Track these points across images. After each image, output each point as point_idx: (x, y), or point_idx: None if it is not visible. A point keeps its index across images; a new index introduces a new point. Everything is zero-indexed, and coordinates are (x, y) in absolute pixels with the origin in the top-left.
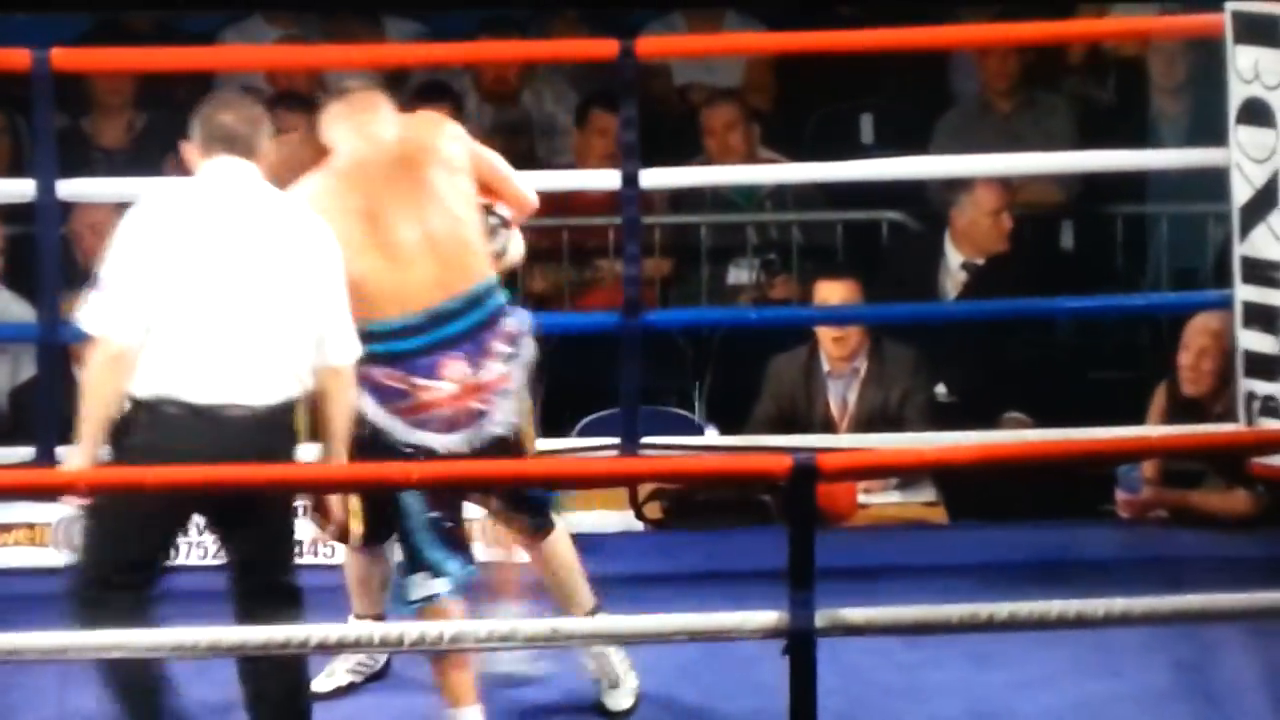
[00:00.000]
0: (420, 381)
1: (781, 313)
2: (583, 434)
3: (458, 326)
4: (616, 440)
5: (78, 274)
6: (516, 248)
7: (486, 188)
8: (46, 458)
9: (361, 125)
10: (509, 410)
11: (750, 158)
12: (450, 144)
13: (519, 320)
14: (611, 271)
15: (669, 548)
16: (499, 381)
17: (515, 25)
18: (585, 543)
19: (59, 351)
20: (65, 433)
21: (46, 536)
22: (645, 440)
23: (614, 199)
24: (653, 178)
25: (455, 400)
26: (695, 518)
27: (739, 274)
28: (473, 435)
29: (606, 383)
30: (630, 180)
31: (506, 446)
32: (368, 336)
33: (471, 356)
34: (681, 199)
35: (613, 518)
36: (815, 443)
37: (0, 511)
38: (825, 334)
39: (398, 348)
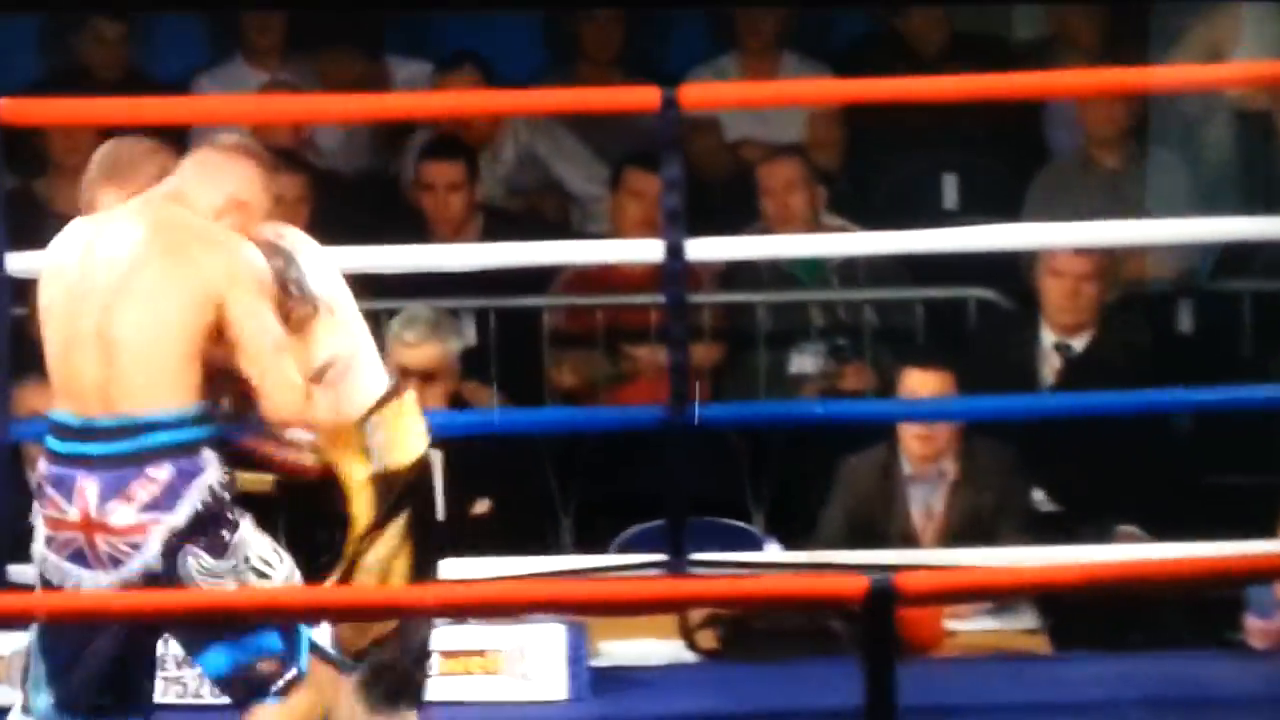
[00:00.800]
0: (51, 493)
1: (854, 407)
2: (623, 549)
3: (100, 449)
4: (662, 557)
5: (33, 360)
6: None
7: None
8: None
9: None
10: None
11: (814, 225)
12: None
13: (180, 472)
14: (653, 360)
15: (725, 682)
16: (129, 531)
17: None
18: (629, 676)
19: (8, 453)
20: (17, 549)
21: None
22: (696, 557)
23: (655, 274)
24: (701, 248)
25: (81, 529)
26: (755, 648)
27: (803, 362)
28: (114, 577)
29: (649, 490)
30: (675, 252)
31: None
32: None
33: (105, 490)
34: (735, 274)
35: (660, 647)
36: (894, 559)
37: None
38: (908, 431)
39: (49, 444)
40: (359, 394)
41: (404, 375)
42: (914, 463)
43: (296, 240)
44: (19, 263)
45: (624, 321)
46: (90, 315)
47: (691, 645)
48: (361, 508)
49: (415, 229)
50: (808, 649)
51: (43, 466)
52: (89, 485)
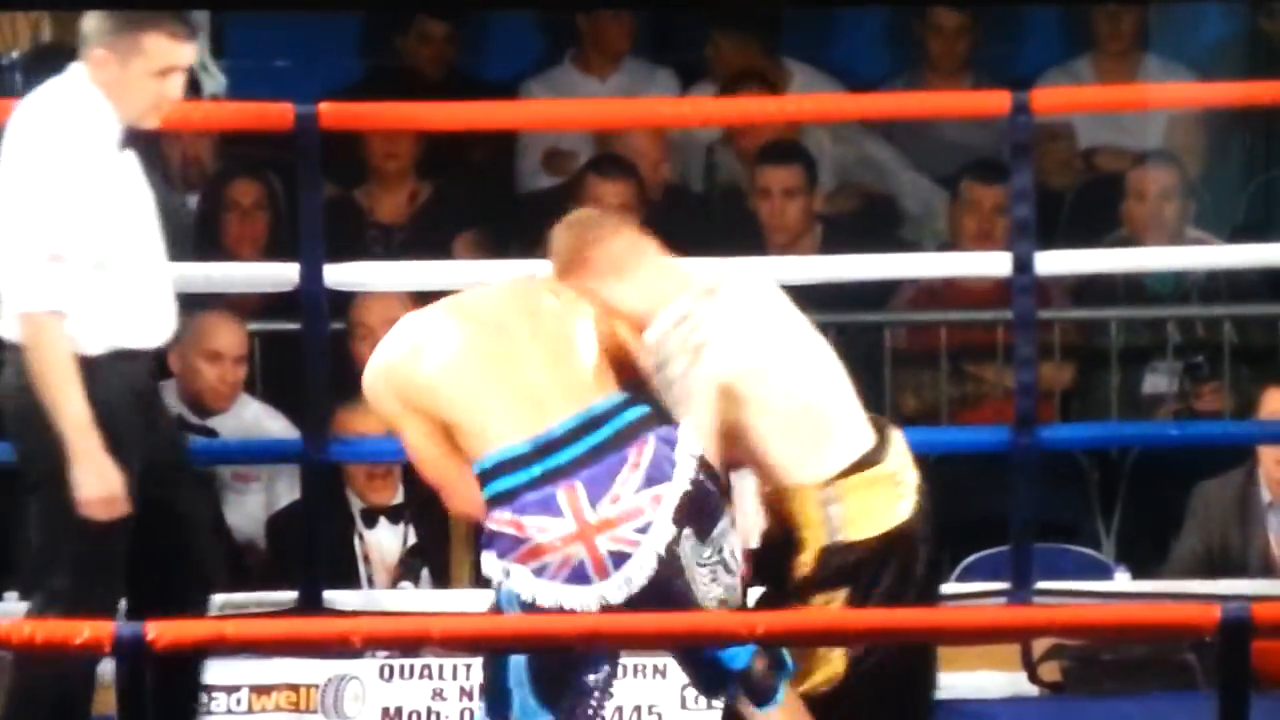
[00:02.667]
0: (530, 522)
1: (1211, 428)
2: (964, 577)
3: (570, 454)
4: (1005, 585)
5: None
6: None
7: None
8: (313, 603)
9: None
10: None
11: (1180, 238)
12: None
13: (662, 439)
14: (1000, 380)
15: (1070, 717)
16: (632, 515)
17: None
18: (969, 710)
19: (328, 474)
20: (335, 574)
21: (314, 700)
22: (1041, 585)
23: (1002, 289)
24: (1052, 262)
25: (580, 538)
26: (1101, 681)
27: (1157, 381)
28: (620, 579)
29: (994, 514)
30: (1024, 266)
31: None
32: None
33: (592, 487)
34: (1086, 290)
35: (1001, 680)
36: (1251, 589)
37: (258, 670)
38: (1268, 455)
39: (501, 487)
40: (819, 457)
41: None
42: (1273, 488)
43: (729, 296)
44: (338, 275)
45: (969, 340)
46: (518, 333)
47: (1034, 678)
48: (802, 569)
49: (750, 239)
50: (1157, 682)
51: (499, 514)
52: (573, 491)
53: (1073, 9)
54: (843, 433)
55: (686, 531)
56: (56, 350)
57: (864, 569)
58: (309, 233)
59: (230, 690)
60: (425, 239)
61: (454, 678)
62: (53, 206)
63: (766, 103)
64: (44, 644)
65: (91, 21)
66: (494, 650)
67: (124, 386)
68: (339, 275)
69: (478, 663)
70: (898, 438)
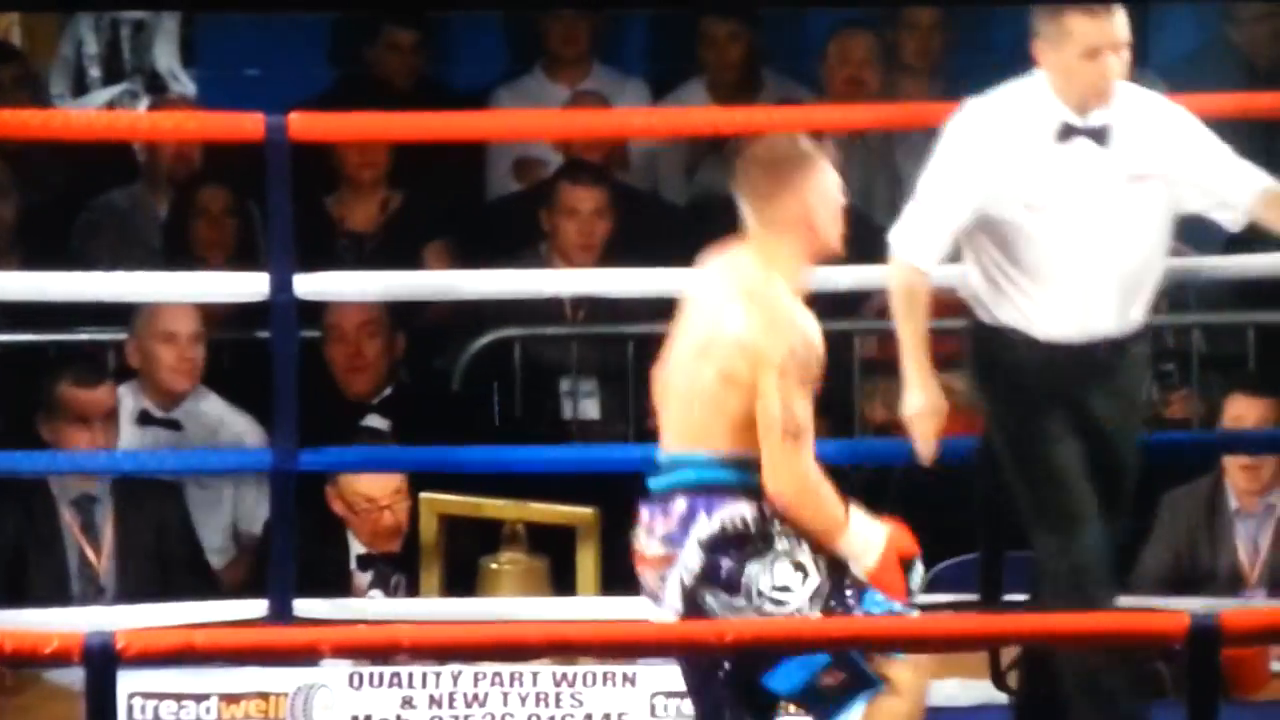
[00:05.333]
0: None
1: (1179, 436)
2: (933, 586)
3: (651, 485)
4: (974, 595)
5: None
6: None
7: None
8: (283, 613)
9: None
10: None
11: None
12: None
13: (691, 508)
14: (969, 389)
15: None
16: (657, 564)
17: None
18: (937, 717)
19: (295, 485)
20: (304, 582)
21: (284, 708)
22: (1009, 596)
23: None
24: None
25: (638, 561)
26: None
27: None
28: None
29: (963, 524)
30: None
31: None
32: None
33: (647, 523)
34: None
35: (970, 688)
36: (1220, 599)
37: (227, 678)
38: (1233, 463)
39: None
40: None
41: None
42: (1240, 496)
43: None
44: (308, 285)
45: (939, 349)
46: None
47: (1002, 686)
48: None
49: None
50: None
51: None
52: (643, 518)
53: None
54: None
55: (709, 589)
56: (901, 297)
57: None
58: (278, 243)
59: (199, 699)
60: (396, 247)
61: (424, 686)
62: (953, 175)
63: (734, 114)
64: (12, 654)
65: (1034, 15)
66: (463, 658)
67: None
68: (308, 285)
69: (447, 671)
70: None
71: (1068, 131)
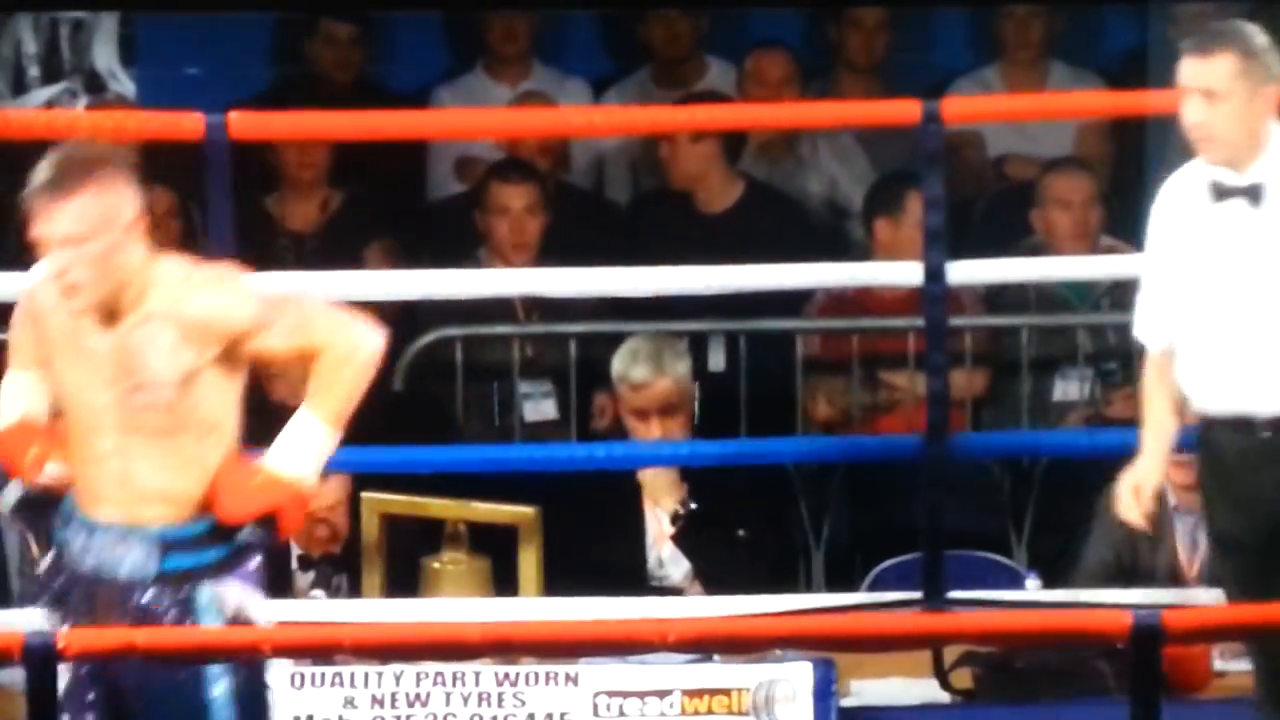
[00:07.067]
0: None
1: (1121, 435)
2: (876, 585)
3: None
4: (918, 594)
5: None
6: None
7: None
8: None
9: None
10: None
11: (1095, 246)
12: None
13: None
14: (912, 388)
15: None
16: None
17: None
18: (881, 717)
19: None
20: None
21: None
22: (952, 594)
23: (915, 297)
24: (964, 271)
25: None
26: (1013, 688)
27: (1068, 388)
28: None
29: (905, 523)
30: (935, 274)
31: None
32: None
33: None
34: (999, 296)
35: (913, 687)
36: (1161, 597)
37: None
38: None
39: None
40: None
41: (642, 418)
42: (1176, 493)
43: None
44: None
45: (881, 348)
46: None
47: (946, 685)
48: None
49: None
50: (1069, 689)
51: None
52: None
53: (980, 17)
54: None
55: None
56: (1145, 375)
57: None
58: (219, 243)
59: None
60: (336, 248)
61: (365, 686)
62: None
63: (676, 112)
64: None
65: None
66: (405, 658)
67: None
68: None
69: (389, 671)
70: None
71: (1220, 192)
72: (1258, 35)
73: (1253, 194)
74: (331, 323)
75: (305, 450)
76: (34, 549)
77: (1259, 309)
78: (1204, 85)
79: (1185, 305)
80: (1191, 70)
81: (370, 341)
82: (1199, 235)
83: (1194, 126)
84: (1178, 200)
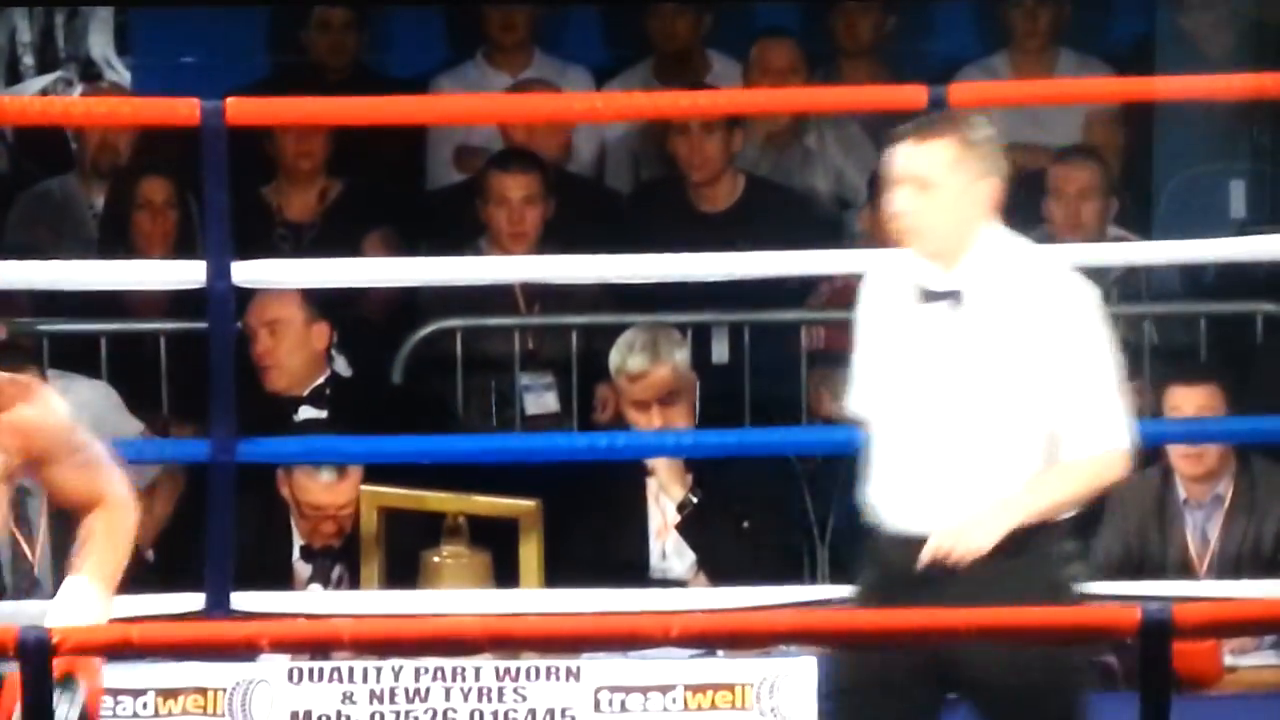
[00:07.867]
0: None
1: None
2: None
3: None
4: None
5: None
6: None
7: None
8: (220, 606)
9: None
10: None
11: (1102, 235)
12: None
13: None
14: None
15: None
16: None
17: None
18: None
19: (234, 473)
20: (247, 572)
21: (222, 704)
22: None
23: None
24: None
25: None
26: None
27: None
28: None
29: None
30: None
31: None
32: None
33: None
34: None
35: None
36: (1171, 590)
37: (164, 673)
38: (1176, 451)
39: None
40: None
41: (642, 409)
42: (1187, 486)
43: None
44: (247, 273)
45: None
46: None
47: None
48: None
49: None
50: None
51: None
52: None
53: (988, 6)
54: None
55: None
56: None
57: None
58: (215, 230)
59: (136, 694)
60: (335, 237)
61: (364, 680)
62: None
63: (679, 97)
64: None
65: None
66: (404, 653)
67: None
68: (246, 273)
69: (388, 665)
70: None
71: (923, 295)
72: (982, 127)
73: (955, 298)
74: (113, 476)
75: (82, 617)
76: (24, 546)
77: (951, 421)
78: (916, 173)
79: (883, 406)
80: (905, 156)
81: (134, 508)
82: (901, 333)
83: (901, 215)
84: (884, 293)
